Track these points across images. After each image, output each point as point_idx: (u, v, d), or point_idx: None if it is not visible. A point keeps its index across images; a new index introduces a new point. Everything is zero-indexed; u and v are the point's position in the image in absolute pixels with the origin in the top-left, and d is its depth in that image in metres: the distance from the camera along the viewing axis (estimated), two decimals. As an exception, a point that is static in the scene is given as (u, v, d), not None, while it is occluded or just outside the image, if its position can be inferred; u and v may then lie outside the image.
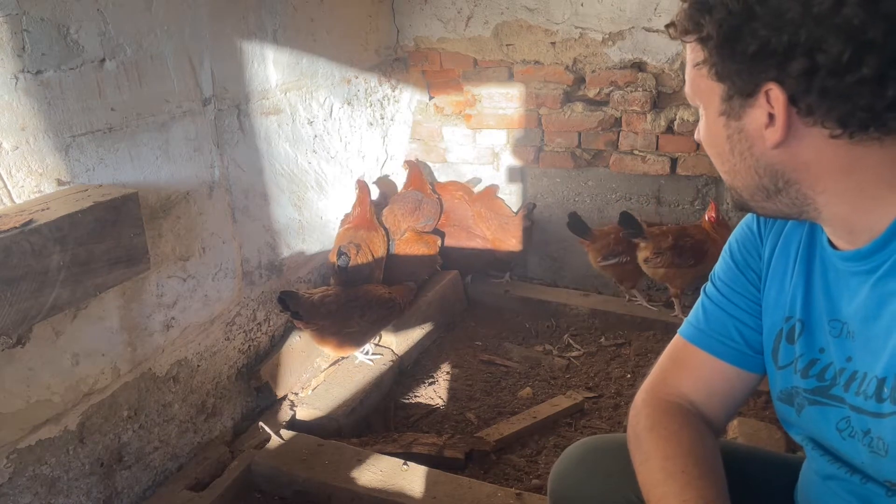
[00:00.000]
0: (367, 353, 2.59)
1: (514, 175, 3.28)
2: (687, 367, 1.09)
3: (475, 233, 3.17)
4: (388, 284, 2.70)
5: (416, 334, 2.79)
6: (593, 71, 2.97)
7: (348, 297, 2.48)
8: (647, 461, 1.02)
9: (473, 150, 3.31)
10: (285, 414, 2.34)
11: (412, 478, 1.95)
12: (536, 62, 3.05)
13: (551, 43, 3.00)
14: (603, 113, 2.99)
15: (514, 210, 3.21)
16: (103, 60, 1.70)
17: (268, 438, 2.17)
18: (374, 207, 2.88)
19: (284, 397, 2.44)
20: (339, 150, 2.81)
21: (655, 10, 2.80)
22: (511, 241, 3.12)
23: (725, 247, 1.09)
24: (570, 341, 2.87)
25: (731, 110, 0.82)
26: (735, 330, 1.04)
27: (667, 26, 0.87)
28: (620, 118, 2.99)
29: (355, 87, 2.88)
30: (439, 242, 3.09)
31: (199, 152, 2.04)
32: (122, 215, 1.60)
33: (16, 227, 1.37)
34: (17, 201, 1.55)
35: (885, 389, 0.80)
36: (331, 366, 2.58)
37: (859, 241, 0.83)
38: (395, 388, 2.58)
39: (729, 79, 0.80)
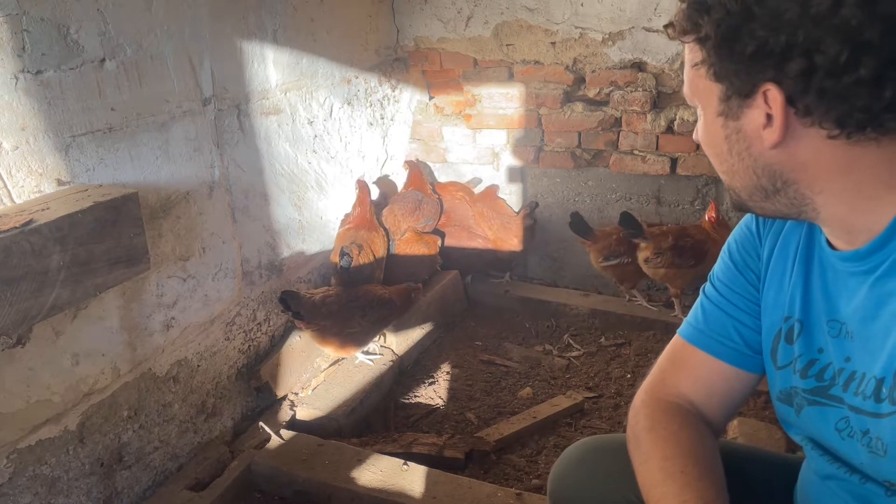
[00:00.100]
0: (368, 353, 2.59)
1: (514, 175, 3.28)
2: (686, 368, 1.09)
3: (476, 233, 3.17)
4: (388, 284, 2.70)
5: (416, 334, 2.79)
6: (593, 71, 2.97)
7: (349, 298, 2.48)
8: (647, 461, 1.02)
9: (473, 150, 3.31)
10: (285, 414, 2.35)
11: (412, 478, 1.96)
12: (536, 62, 3.05)
13: (551, 43, 3.00)
14: (603, 113, 2.99)
15: (515, 210, 3.21)
16: (103, 60, 1.70)
17: (268, 438, 2.17)
18: (374, 207, 2.88)
19: (284, 397, 2.44)
20: (339, 150, 2.81)
21: (655, 10, 2.80)
22: (513, 241, 3.12)
23: (724, 247, 1.09)
24: (570, 341, 2.87)
25: (729, 110, 0.82)
26: (734, 330, 1.04)
27: (665, 26, 0.87)
28: (620, 118, 2.99)
29: (355, 87, 2.89)
30: (439, 242, 3.09)
31: (199, 152, 2.04)
32: (122, 215, 1.60)
33: (16, 227, 1.38)
34: (17, 201, 1.55)
35: (884, 389, 0.80)
36: (331, 366, 2.58)
37: (857, 242, 0.83)
38: (395, 388, 2.58)
39: (727, 79, 0.80)
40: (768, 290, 1.00)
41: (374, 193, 3.07)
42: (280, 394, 2.43)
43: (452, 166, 3.40)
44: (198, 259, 2.08)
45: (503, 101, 3.16)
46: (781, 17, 0.72)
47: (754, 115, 0.79)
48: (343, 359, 2.59)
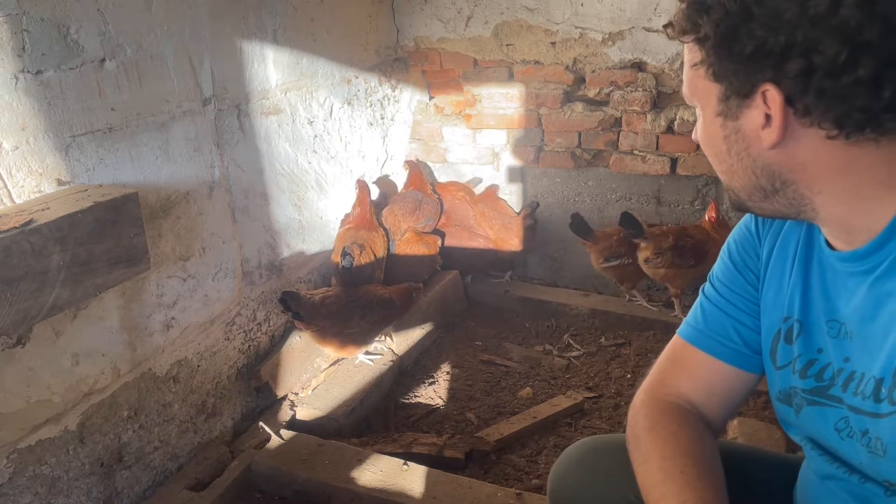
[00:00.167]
0: (370, 353, 2.59)
1: (515, 175, 3.28)
2: (686, 368, 1.09)
3: (477, 233, 3.17)
4: (388, 284, 2.70)
5: (416, 334, 2.79)
6: (593, 71, 2.97)
7: (349, 298, 2.48)
8: (646, 462, 1.02)
9: (473, 150, 3.31)
10: (285, 414, 2.35)
11: (412, 478, 1.96)
12: (536, 62, 3.05)
13: (551, 43, 3.00)
14: (603, 113, 2.99)
15: (515, 210, 3.21)
16: (103, 60, 1.71)
17: (268, 438, 2.17)
18: (374, 207, 2.88)
19: (284, 397, 2.44)
20: (339, 150, 2.81)
21: (655, 10, 2.80)
22: (514, 241, 3.12)
23: (724, 247, 1.09)
24: (570, 341, 2.87)
25: (728, 111, 0.82)
26: (733, 330, 1.04)
27: (665, 26, 0.87)
28: (620, 118, 2.99)
29: (355, 87, 2.89)
30: (439, 243, 3.09)
31: (199, 152, 2.04)
32: (122, 215, 1.60)
33: (16, 227, 1.38)
34: (17, 201, 1.55)
35: (883, 389, 0.80)
36: (331, 366, 2.58)
37: (856, 242, 0.83)
38: (395, 388, 2.58)
39: (726, 79, 0.80)
40: (767, 291, 1.00)
41: (374, 193, 3.07)
42: (280, 394, 2.43)
43: (452, 166, 3.40)
44: (198, 259, 2.08)
45: (503, 101, 3.16)
46: (780, 17, 0.72)
47: (753, 115, 0.79)
48: (343, 359, 2.59)
